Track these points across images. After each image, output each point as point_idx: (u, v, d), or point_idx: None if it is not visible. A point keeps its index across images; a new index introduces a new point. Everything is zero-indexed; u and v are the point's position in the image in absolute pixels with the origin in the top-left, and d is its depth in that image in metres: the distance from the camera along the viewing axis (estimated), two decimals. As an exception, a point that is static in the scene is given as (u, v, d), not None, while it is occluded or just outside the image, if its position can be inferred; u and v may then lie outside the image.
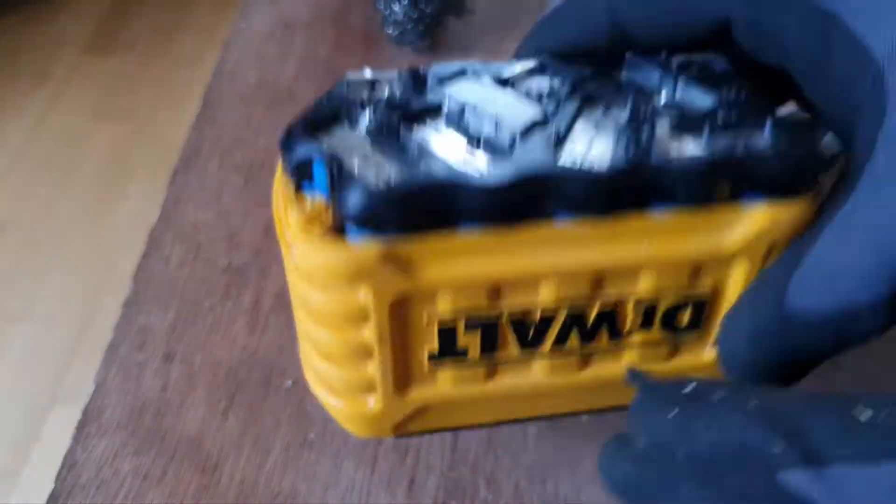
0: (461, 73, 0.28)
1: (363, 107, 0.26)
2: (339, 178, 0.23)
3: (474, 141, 0.25)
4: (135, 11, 1.77)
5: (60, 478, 0.36)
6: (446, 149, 0.24)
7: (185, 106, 1.50)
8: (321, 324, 0.26)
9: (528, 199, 0.23)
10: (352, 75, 0.29)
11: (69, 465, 0.36)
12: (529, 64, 0.28)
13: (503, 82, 0.27)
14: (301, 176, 0.25)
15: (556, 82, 0.28)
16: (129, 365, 0.39)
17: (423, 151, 0.24)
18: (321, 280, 0.24)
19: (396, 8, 0.53)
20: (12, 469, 1.06)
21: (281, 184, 0.26)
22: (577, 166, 0.23)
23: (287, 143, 0.26)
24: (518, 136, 0.24)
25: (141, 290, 0.42)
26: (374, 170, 0.23)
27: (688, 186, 0.24)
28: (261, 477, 0.35)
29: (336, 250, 0.23)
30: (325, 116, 0.26)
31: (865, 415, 0.18)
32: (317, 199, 0.24)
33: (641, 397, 0.22)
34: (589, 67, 0.28)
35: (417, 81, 0.28)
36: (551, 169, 0.23)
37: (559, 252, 0.25)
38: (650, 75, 0.28)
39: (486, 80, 0.27)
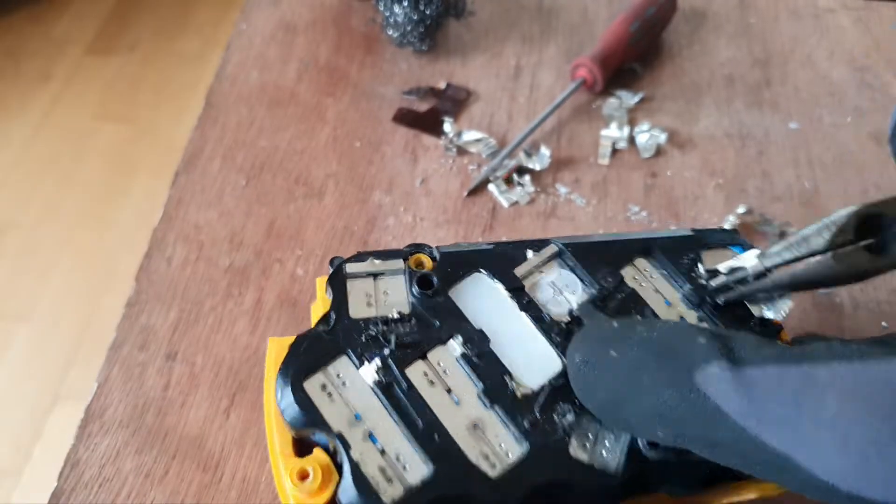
0: (470, 270, 0.28)
1: (368, 347, 0.25)
2: (344, 467, 0.23)
3: (488, 397, 0.25)
4: (137, 12, 1.77)
5: (63, 476, 0.36)
6: (457, 419, 0.24)
7: (187, 107, 1.50)
8: None
9: (540, 498, 0.23)
10: (350, 266, 0.27)
11: (72, 463, 0.36)
12: (547, 253, 0.29)
13: (517, 290, 0.28)
14: (301, 434, 0.24)
15: (574, 297, 0.28)
16: (131, 364, 0.40)
17: (434, 425, 0.24)
18: None
19: (397, 10, 0.54)
20: (15, 467, 1.06)
21: (274, 410, 0.25)
22: (590, 466, 0.24)
23: (284, 397, 0.24)
24: (538, 412, 0.25)
25: (143, 290, 0.43)
26: (378, 463, 0.23)
27: (689, 480, 0.24)
28: (262, 475, 0.36)
29: None
30: (326, 349, 0.25)
31: (777, 342, 0.20)
32: (318, 462, 0.23)
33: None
34: (609, 262, 0.28)
35: (425, 289, 0.27)
36: (566, 475, 0.23)
37: None
38: (673, 289, 0.29)
39: (500, 291, 0.27)
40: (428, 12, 0.54)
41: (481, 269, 0.28)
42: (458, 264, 0.28)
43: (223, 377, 0.39)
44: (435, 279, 0.27)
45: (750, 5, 0.61)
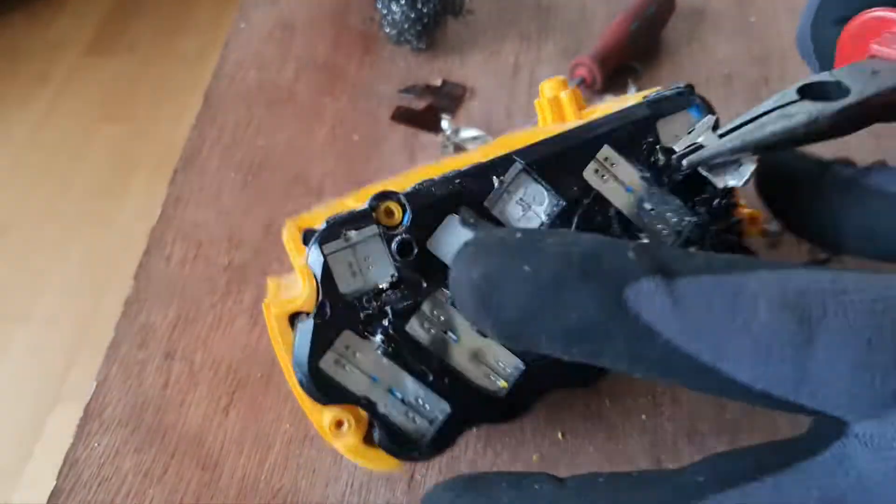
0: (441, 214, 0.27)
1: (367, 322, 0.27)
2: (375, 425, 0.27)
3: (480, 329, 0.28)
4: (135, 12, 1.77)
5: (62, 475, 0.36)
6: (459, 355, 0.27)
7: (186, 106, 1.50)
8: None
9: (540, 395, 0.28)
10: (328, 247, 0.27)
11: (71, 462, 0.36)
12: (509, 177, 0.28)
13: (490, 218, 0.28)
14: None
15: (542, 209, 0.29)
16: (130, 363, 0.40)
17: (442, 369, 0.27)
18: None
19: (395, 8, 0.54)
20: (14, 467, 1.06)
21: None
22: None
23: (305, 379, 0.27)
24: None
25: (142, 289, 0.43)
26: (403, 411, 0.27)
27: None
28: (262, 474, 0.36)
29: (377, 459, 0.27)
30: (328, 333, 0.27)
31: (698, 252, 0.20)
32: (350, 411, 0.27)
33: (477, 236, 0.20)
34: (572, 169, 0.29)
35: (405, 256, 0.27)
36: (560, 375, 0.28)
37: None
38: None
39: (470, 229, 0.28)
40: (425, 10, 0.54)
41: (453, 213, 0.28)
42: (429, 210, 0.27)
43: (222, 375, 0.39)
44: (413, 243, 0.27)
45: (749, 3, 0.60)
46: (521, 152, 0.28)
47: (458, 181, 0.28)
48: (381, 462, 0.27)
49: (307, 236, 0.28)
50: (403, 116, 0.52)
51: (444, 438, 0.27)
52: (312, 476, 0.35)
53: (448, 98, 0.53)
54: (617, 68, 0.53)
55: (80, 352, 1.18)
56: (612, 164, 0.29)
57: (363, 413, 0.27)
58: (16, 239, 1.34)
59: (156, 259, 0.44)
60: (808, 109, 0.25)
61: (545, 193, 0.28)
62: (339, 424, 0.26)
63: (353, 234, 0.27)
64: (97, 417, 0.38)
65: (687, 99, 0.30)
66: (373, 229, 0.27)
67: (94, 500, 0.35)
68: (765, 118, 0.26)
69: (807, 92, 0.26)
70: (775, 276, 0.17)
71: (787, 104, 0.26)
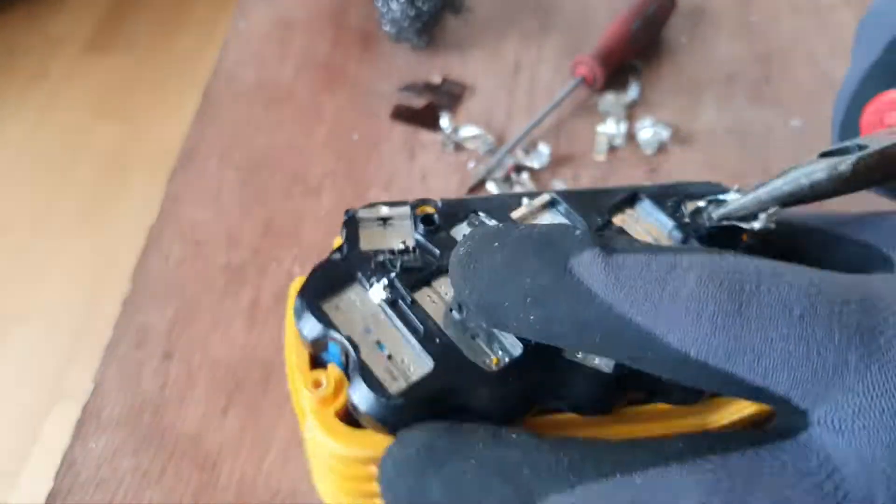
0: (469, 213, 0.30)
1: (377, 272, 0.27)
2: (354, 371, 0.25)
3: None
4: (134, 10, 1.77)
5: (59, 476, 0.36)
6: (458, 330, 0.26)
7: (184, 105, 1.49)
8: (333, 479, 0.26)
9: (536, 397, 0.25)
10: (363, 212, 0.30)
11: (68, 463, 0.36)
12: (541, 200, 0.30)
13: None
14: (316, 348, 0.26)
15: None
16: (128, 363, 0.39)
17: (436, 331, 0.26)
18: (335, 457, 0.25)
19: (394, 6, 0.53)
20: (12, 468, 1.06)
21: (294, 335, 0.27)
22: (583, 364, 0.25)
23: (301, 313, 0.26)
24: None
25: (140, 289, 0.42)
26: (385, 366, 0.25)
27: (685, 390, 0.25)
28: (260, 475, 0.35)
29: (348, 436, 0.24)
30: (340, 276, 0.27)
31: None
32: (332, 373, 0.25)
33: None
34: (600, 209, 0.30)
35: (427, 225, 0.29)
36: (560, 371, 0.25)
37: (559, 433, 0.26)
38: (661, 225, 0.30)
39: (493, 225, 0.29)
40: (425, 8, 0.53)
41: (479, 212, 0.30)
42: (459, 210, 0.30)
43: (220, 376, 0.39)
44: (436, 217, 0.29)
45: (750, 2, 0.60)
46: (555, 192, 0.31)
47: (491, 196, 0.31)
48: (343, 437, 0.24)
49: (347, 211, 0.29)
50: (403, 115, 0.52)
51: (417, 400, 0.24)
52: (311, 478, 0.35)
53: (448, 96, 0.53)
54: (618, 67, 0.53)
55: (78, 352, 1.18)
56: (638, 220, 0.31)
57: (344, 385, 0.25)
58: (12, 237, 1.34)
59: (154, 258, 0.44)
60: (829, 163, 0.26)
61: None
62: (317, 385, 0.25)
63: (388, 211, 0.30)
64: (95, 418, 0.37)
65: (719, 189, 0.32)
66: (406, 210, 0.30)
67: (91, 501, 0.35)
68: (787, 176, 0.27)
69: (829, 155, 0.27)
70: (713, 257, 0.19)
71: (810, 164, 0.27)
